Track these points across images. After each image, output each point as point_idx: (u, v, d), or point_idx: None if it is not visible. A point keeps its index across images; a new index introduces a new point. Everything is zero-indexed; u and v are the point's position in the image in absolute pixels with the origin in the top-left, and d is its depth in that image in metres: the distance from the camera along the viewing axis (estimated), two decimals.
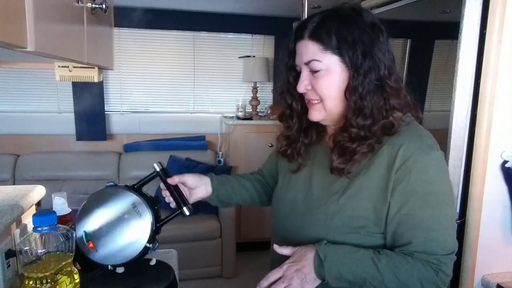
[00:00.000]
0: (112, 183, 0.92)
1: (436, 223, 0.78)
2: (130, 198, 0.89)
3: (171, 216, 0.95)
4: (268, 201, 1.12)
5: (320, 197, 0.87)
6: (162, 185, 0.97)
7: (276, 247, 0.84)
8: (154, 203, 0.92)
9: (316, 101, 0.84)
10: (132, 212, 0.88)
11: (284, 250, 0.83)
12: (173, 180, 0.96)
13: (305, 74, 0.83)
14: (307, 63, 0.81)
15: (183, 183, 0.99)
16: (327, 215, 0.84)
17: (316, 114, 0.85)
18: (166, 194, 0.98)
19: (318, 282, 0.78)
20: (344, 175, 0.83)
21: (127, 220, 0.88)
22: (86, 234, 0.87)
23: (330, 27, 0.79)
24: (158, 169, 0.96)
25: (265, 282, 0.79)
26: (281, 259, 0.93)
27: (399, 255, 0.79)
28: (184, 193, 0.98)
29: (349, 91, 0.79)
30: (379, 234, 0.83)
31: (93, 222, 0.88)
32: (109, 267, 0.89)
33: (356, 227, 0.82)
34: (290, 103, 0.91)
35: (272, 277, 0.79)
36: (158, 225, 0.91)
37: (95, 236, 0.87)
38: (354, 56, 0.78)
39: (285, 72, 0.90)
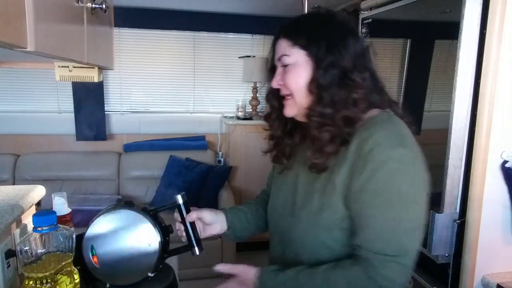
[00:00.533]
0: (130, 203, 0.91)
1: (385, 222, 0.77)
2: (144, 224, 0.88)
3: (179, 251, 0.96)
4: None
5: (304, 196, 0.88)
6: (177, 216, 0.97)
7: (218, 266, 0.90)
8: (166, 233, 0.92)
9: (288, 97, 0.87)
10: None
11: (225, 268, 0.90)
12: (191, 217, 0.96)
13: (278, 70, 0.87)
14: (279, 59, 0.86)
15: (200, 219, 0.99)
16: (310, 214, 0.85)
17: (288, 110, 0.89)
18: (179, 228, 0.98)
19: None
20: (320, 172, 0.84)
21: (136, 246, 0.88)
22: (93, 248, 0.86)
23: (300, 26, 0.86)
24: (180, 202, 0.96)
25: None
26: (281, 260, 0.93)
27: (337, 267, 0.80)
28: (198, 228, 0.98)
29: (312, 82, 0.83)
30: None
31: (103, 239, 0.87)
32: (107, 285, 0.90)
33: (339, 223, 0.83)
34: (271, 102, 0.95)
35: None
36: (164, 255, 0.91)
37: (101, 253, 0.87)
38: (319, 51, 0.82)
39: (268, 75, 0.93)
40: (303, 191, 0.89)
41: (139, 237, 0.88)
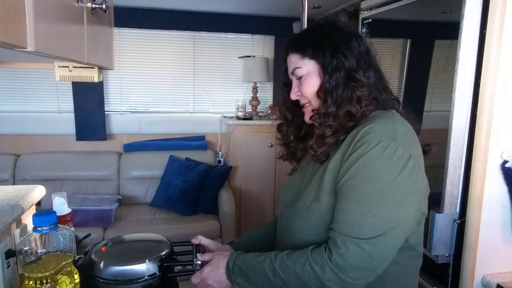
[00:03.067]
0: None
1: (359, 210, 0.77)
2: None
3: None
4: None
5: (305, 188, 0.92)
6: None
7: (198, 256, 0.93)
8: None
9: (307, 104, 0.93)
10: None
11: (205, 257, 0.93)
12: (197, 239, 1.02)
13: (294, 83, 0.94)
14: (292, 72, 0.93)
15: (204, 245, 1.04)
16: (306, 202, 0.88)
17: (307, 116, 0.95)
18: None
19: (230, 284, 0.89)
20: (322, 161, 0.88)
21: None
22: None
23: (305, 39, 0.93)
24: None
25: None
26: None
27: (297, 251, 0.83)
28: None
29: (320, 88, 0.89)
30: None
31: (107, 268, 0.87)
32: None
33: (331, 210, 0.83)
34: (284, 114, 1.02)
35: (194, 280, 0.91)
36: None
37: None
38: (324, 58, 0.87)
39: (283, 90, 1.01)
40: (306, 183, 0.93)
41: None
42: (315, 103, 0.90)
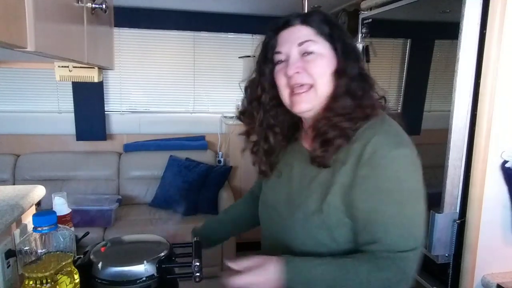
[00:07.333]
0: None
1: (401, 220, 0.77)
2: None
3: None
4: None
5: (299, 196, 0.87)
6: None
7: (229, 263, 0.83)
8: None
9: (304, 89, 0.83)
10: None
11: (236, 266, 0.81)
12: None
13: (296, 57, 0.83)
14: (300, 44, 0.83)
15: None
16: (307, 214, 0.84)
17: (303, 105, 0.84)
18: None
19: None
20: (323, 166, 0.82)
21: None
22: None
23: (320, 18, 0.85)
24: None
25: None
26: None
27: (360, 257, 0.78)
28: None
29: (339, 72, 0.82)
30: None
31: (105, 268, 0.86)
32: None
33: (339, 223, 0.81)
34: (259, 95, 0.91)
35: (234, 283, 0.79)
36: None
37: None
38: (343, 46, 0.84)
39: (258, 67, 0.91)
40: (298, 191, 0.88)
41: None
42: (322, 87, 0.82)
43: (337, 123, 0.80)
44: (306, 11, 1.97)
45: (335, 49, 0.84)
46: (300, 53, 0.83)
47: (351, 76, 0.82)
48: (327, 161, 0.81)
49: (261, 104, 0.91)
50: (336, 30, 0.85)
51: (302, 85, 0.83)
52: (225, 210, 1.23)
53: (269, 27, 0.89)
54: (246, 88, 0.96)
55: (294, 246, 0.87)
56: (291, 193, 0.90)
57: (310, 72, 0.82)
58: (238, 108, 0.99)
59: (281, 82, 0.86)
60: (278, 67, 0.87)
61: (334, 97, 0.83)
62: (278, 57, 0.86)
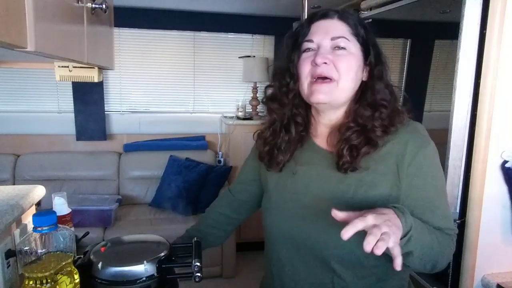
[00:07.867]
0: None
1: (445, 204, 0.87)
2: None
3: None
4: (245, 214, 1.19)
5: (330, 198, 0.85)
6: None
7: (337, 213, 0.70)
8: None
9: (328, 80, 0.82)
10: None
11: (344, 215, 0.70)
12: None
13: (327, 48, 0.83)
14: (334, 38, 0.83)
15: None
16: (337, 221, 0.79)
17: (322, 96, 0.83)
18: None
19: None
20: (349, 171, 0.83)
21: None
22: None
23: (358, 20, 0.87)
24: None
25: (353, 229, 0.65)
26: (280, 262, 0.92)
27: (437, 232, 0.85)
28: None
29: (375, 79, 0.87)
30: None
31: (105, 268, 0.86)
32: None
33: None
34: (288, 82, 0.89)
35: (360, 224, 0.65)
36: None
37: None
38: (378, 53, 0.87)
39: (287, 52, 0.89)
40: (326, 193, 0.86)
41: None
42: (344, 83, 0.82)
43: (370, 132, 0.83)
44: (306, 11, 1.96)
45: (364, 52, 0.86)
46: (331, 47, 0.83)
47: (387, 83, 0.87)
48: (356, 166, 0.83)
49: (289, 90, 0.90)
50: (371, 36, 0.87)
51: (325, 77, 0.82)
52: (204, 216, 1.18)
53: (306, 18, 0.91)
54: (274, 75, 0.94)
55: (321, 251, 0.86)
56: (316, 196, 0.88)
57: (338, 66, 0.82)
58: (265, 93, 0.96)
59: (305, 69, 0.85)
60: (305, 55, 0.85)
61: (369, 104, 0.85)
62: (308, 44, 0.85)
